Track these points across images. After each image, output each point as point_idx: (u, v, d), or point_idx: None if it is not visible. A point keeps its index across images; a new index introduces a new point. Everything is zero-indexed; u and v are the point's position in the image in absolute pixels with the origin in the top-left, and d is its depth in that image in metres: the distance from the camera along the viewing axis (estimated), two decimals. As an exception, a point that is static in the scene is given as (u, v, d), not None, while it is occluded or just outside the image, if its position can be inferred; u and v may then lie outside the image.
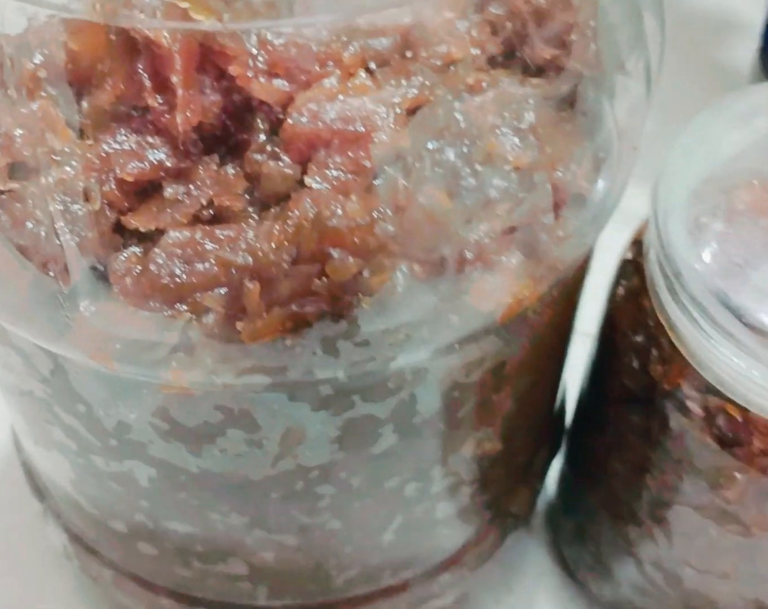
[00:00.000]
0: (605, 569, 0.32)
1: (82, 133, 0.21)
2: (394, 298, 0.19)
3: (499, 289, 0.21)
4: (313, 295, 0.19)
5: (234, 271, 0.20)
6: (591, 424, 0.31)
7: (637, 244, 0.28)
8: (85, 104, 0.22)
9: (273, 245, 0.20)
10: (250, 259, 0.20)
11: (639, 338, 0.27)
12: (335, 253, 0.19)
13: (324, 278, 0.19)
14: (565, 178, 0.22)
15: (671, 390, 0.26)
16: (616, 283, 0.28)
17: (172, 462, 0.23)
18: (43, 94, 0.21)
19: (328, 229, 0.19)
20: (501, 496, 0.30)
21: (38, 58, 0.22)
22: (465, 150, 0.21)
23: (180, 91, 0.21)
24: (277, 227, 0.20)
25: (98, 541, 0.29)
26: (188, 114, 0.21)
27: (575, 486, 0.34)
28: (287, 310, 0.19)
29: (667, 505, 0.28)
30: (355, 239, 0.19)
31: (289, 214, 0.20)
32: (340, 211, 0.19)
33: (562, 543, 0.36)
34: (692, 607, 0.30)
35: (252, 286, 0.19)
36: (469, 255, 0.21)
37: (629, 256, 0.29)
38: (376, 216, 0.20)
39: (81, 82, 0.22)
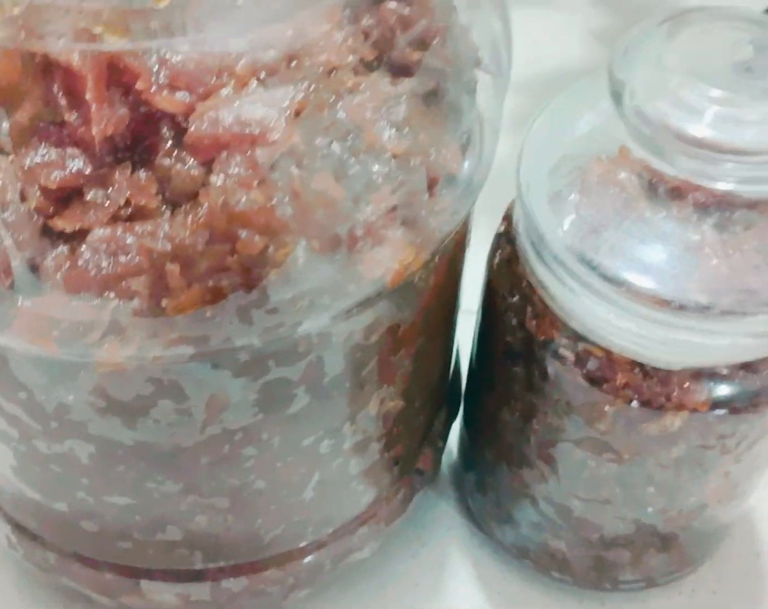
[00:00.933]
0: (506, 514, 0.36)
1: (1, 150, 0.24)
2: (297, 269, 0.23)
3: (387, 258, 0.25)
4: (227, 271, 0.22)
5: (155, 256, 0.23)
6: (482, 382, 0.35)
7: (508, 218, 0.32)
8: (5, 124, 0.24)
9: (187, 232, 0.23)
10: (168, 245, 0.23)
11: (515, 299, 0.31)
12: (243, 232, 0.22)
13: (235, 255, 0.22)
14: (436, 161, 0.26)
15: (546, 341, 0.30)
16: (493, 255, 0.32)
17: (110, 437, 0.26)
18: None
19: (235, 212, 0.22)
20: (407, 455, 0.34)
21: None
22: (349, 143, 0.25)
23: (93, 107, 0.23)
24: (190, 217, 0.23)
25: (41, 527, 0.32)
26: (102, 127, 0.24)
27: (473, 443, 0.38)
28: (205, 285, 0.22)
29: (552, 444, 0.32)
30: (260, 219, 0.22)
31: (200, 205, 0.23)
32: (244, 199, 0.22)
33: (467, 496, 0.39)
34: (582, 535, 0.34)
35: (173, 267, 0.22)
36: (359, 232, 0.25)
37: (501, 229, 0.33)
38: (275, 201, 0.23)
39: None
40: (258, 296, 0.23)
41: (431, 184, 0.26)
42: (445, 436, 0.37)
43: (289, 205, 0.23)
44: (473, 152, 0.27)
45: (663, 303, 0.27)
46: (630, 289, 0.27)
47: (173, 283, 0.22)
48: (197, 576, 0.32)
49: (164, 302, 0.22)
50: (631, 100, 0.27)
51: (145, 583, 0.32)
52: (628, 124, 0.27)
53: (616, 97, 0.28)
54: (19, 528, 0.32)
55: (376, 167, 0.25)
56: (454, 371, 0.37)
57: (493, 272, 0.32)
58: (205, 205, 0.23)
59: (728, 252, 0.27)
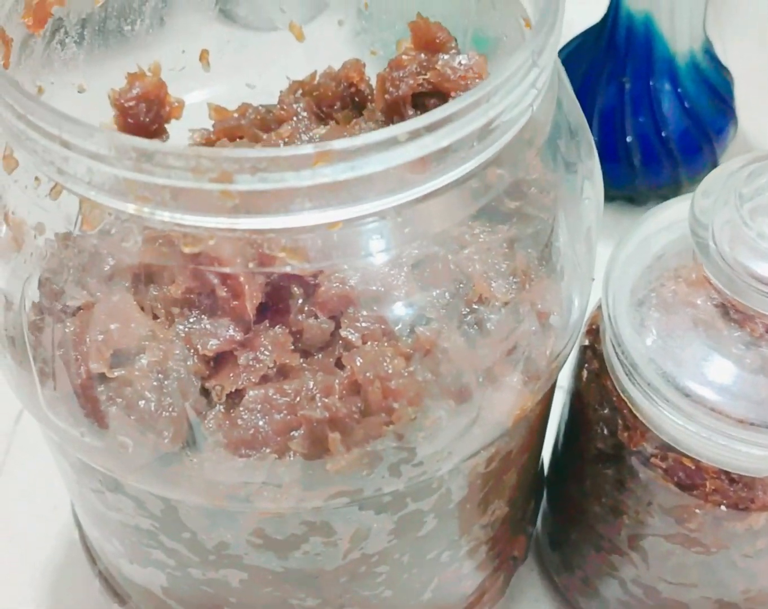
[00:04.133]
0: (593, 591, 0.39)
1: (155, 316, 0.27)
2: (441, 428, 0.26)
3: (509, 405, 0.28)
4: (383, 437, 0.25)
5: (315, 424, 0.26)
6: (570, 477, 0.38)
7: (591, 331, 0.35)
8: (153, 291, 0.27)
9: (337, 397, 0.26)
10: (326, 413, 0.26)
11: (605, 411, 0.34)
12: (396, 405, 0.25)
13: (391, 425, 0.25)
14: (543, 308, 0.29)
15: (637, 450, 0.33)
16: (580, 367, 0.35)
17: (262, 566, 0.29)
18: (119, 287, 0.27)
19: (391, 389, 0.25)
20: (505, 546, 0.37)
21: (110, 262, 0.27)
22: (461, 292, 0.28)
23: (246, 287, 0.27)
24: (337, 382, 0.26)
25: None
26: (254, 301, 0.27)
27: (558, 525, 0.41)
28: (364, 450, 0.25)
29: (642, 537, 0.35)
30: (411, 393, 0.25)
31: (345, 369, 0.26)
32: (390, 369, 0.26)
33: (551, 571, 0.42)
34: (668, 612, 0.37)
35: (335, 436, 0.25)
36: (480, 378, 0.28)
37: (586, 342, 0.36)
38: (413, 368, 0.26)
39: (148, 276, 0.28)
40: (407, 455, 0.26)
41: (540, 329, 0.29)
42: (534, 522, 0.40)
43: (426, 370, 0.26)
44: (572, 295, 0.30)
45: (743, 422, 0.30)
46: (715, 409, 0.30)
47: (335, 448, 0.25)
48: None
49: (328, 465, 0.25)
50: (711, 240, 0.30)
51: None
52: (707, 260, 0.30)
53: (697, 237, 0.31)
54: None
55: (489, 315, 0.28)
56: (539, 468, 0.41)
57: (582, 384, 0.35)
58: (348, 368, 0.26)
59: (805, 374, 0.30)
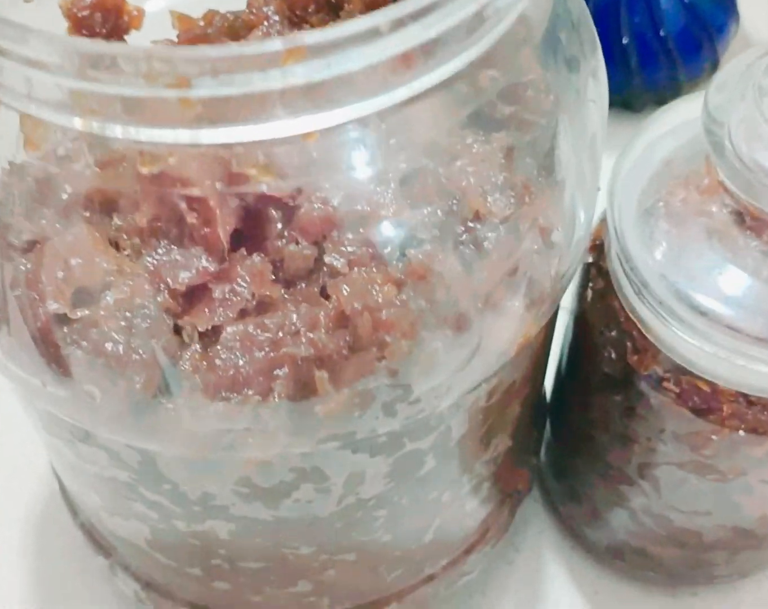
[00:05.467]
0: (600, 521, 0.38)
1: (118, 247, 0.25)
2: (438, 361, 0.24)
3: (511, 332, 0.25)
4: (375, 374, 0.23)
5: (300, 362, 0.23)
6: (575, 405, 0.36)
7: (595, 247, 0.33)
8: (116, 221, 0.25)
9: (323, 331, 0.24)
10: (312, 349, 0.23)
11: (613, 334, 0.31)
12: (389, 338, 0.23)
13: (383, 361, 0.23)
14: (544, 223, 0.27)
15: (647, 374, 0.30)
16: (584, 287, 0.33)
17: (251, 516, 0.27)
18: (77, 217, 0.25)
19: (382, 321, 0.23)
20: (509, 480, 0.35)
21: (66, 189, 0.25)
22: (455, 209, 0.25)
23: (218, 211, 0.24)
24: (322, 314, 0.24)
25: (172, 587, 0.33)
26: (227, 227, 0.24)
27: (562, 455, 0.39)
28: (355, 389, 0.23)
29: (653, 466, 0.33)
30: (404, 324, 0.23)
31: (330, 300, 0.24)
32: (381, 298, 0.23)
33: (556, 502, 0.41)
34: (680, 540, 0.35)
35: (322, 374, 0.23)
36: (480, 304, 0.25)
37: (590, 259, 0.33)
38: (405, 295, 0.24)
39: (109, 203, 0.25)
40: (403, 392, 0.24)
41: (542, 247, 0.26)
42: (538, 452, 0.38)
43: (420, 297, 0.24)
44: (577, 209, 0.27)
45: (762, 340, 0.28)
46: (731, 326, 0.28)
47: (323, 389, 0.23)
48: (324, 620, 0.33)
49: (317, 408, 0.23)
50: (727, 139, 0.28)
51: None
52: (722, 161, 0.28)
53: (712, 136, 0.28)
54: (149, 585, 0.34)
55: (487, 234, 0.26)
56: (541, 399, 0.38)
57: (586, 305, 0.33)
58: (334, 298, 0.24)
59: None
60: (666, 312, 0.29)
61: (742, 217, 0.29)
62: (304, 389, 0.24)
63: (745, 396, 0.29)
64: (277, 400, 0.24)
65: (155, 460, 0.26)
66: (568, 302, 0.35)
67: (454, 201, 0.25)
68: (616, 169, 0.31)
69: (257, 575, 0.30)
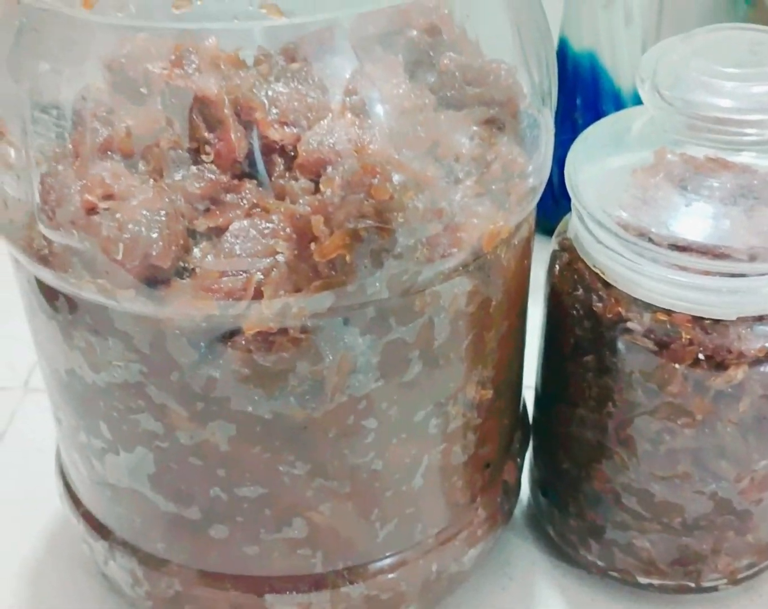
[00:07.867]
0: (589, 522, 0.39)
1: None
2: (417, 217, 0.27)
3: (481, 223, 0.29)
4: (363, 216, 0.26)
5: (298, 217, 0.27)
6: (552, 395, 0.39)
7: (560, 234, 0.37)
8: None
9: (319, 197, 0.27)
10: (308, 208, 0.27)
11: (579, 292, 0.35)
12: (376, 180, 0.26)
13: (370, 200, 0.26)
14: (507, 160, 0.31)
15: (613, 317, 0.34)
16: (552, 266, 0.37)
17: (250, 411, 0.29)
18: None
19: (368, 164, 0.26)
20: (496, 461, 0.37)
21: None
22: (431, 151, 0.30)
23: (232, 130, 0.28)
24: (318, 197, 0.28)
25: (168, 547, 0.34)
26: (239, 138, 0.29)
27: (547, 462, 0.40)
28: (346, 229, 0.26)
29: (629, 422, 0.35)
30: (390, 165, 0.27)
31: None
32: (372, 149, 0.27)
33: (546, 524, 0.42)
34: (665, 522, 0.37)
35: (318, 218, 0.26)
36: (455, 207, 0.29)
37: (556, 245, 0.37)
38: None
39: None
40: (388, 241, 0.27)
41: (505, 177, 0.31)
42: (522, 456, 0.40)
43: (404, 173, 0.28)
44: (536, 153, 0.32)
45: (711, 252, 0.31)
46: (680, 244, 0.32)
47: (318, 231, 0.26)
48: (317, 584, 0.34)
49: (312, 247, 0.26)
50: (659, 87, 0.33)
51: (269, 597, 0.34)
52: (662, 111, 0.33)
53: (644, 85, 0.34)
54: (145, 560, 0.34)
55: (458, 166, 0.30)
56: (522, 408, 0.41)
57: (556, 279, 0.36)
58: (336, 178, 0.27)
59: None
60: (623, 245, 0.33)
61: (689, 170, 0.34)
62: (301, 239, 0.27)
63: (700, 322, 0.32)
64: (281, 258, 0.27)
65: (165, 336, 0.28)
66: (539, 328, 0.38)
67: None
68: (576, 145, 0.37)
69: (253, 510, 0.32)
